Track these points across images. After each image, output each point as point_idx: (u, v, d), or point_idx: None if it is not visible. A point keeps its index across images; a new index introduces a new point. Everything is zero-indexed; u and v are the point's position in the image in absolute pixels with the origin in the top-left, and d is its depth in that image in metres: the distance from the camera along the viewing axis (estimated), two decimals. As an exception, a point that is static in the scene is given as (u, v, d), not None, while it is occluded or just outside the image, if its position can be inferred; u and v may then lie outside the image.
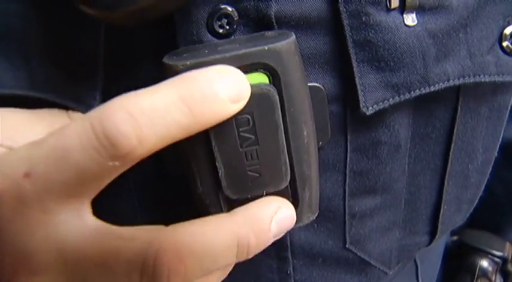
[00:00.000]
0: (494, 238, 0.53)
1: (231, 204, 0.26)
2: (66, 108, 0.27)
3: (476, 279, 0.51)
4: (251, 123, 0.24)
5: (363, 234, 0.33)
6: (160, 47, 0.27)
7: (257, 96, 0.24)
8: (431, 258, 0.46)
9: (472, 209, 0.39)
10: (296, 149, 0.26)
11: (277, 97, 0.24)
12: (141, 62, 0.27)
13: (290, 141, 0.25)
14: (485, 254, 0.52)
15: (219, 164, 0.25)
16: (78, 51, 0.26)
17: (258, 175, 0.25)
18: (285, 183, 0.26)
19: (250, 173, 0.25)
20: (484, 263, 0.51)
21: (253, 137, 0.25)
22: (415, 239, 0.37)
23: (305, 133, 0.26)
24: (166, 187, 0.31)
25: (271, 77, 0.24)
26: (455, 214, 0.37)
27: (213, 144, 0.24)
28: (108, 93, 0.27)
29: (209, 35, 0.26)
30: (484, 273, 0.51)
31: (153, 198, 0.31)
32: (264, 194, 0.26)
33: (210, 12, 0.26)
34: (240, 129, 0.24)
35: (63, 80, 0.26)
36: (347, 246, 0.33)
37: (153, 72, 0.27)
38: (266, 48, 0.24)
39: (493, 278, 0.51)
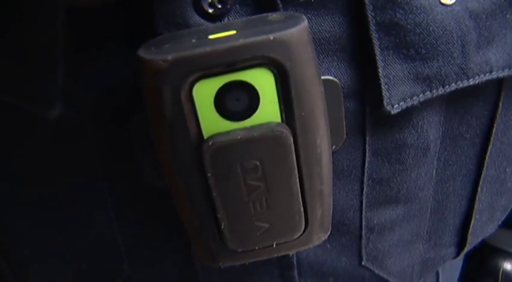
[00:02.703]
0: (519, 238, 0.50)
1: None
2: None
3: (500, 283, 0.48)
4: (260, 171, 0.21)
5: (381, 250, 0.30)
6: (134, 34, 0.23)
7: (267, 139, 0.21)
8: (453, 263, 0.43)
9: (505, 217, 0.36)
10: (306, 162, 0.22)
11: (291, 139, 0.21)
12: (109, 53, 0.24)
13: (300, 155, 0.22)
14: (510, 255, 0.48)
15: (221, 215, 0.22)
16: (32, 40, 0.22)
17: (267, 226, 0.23)
18: (299, 233, 0.24)
19: (258, 223, 0.23)
20: (509, 266, 0.48)
21: (262, 184, 0.22)
22: (440, 252, 0.34)
23: (318, 142, 0.22)
24: (146, 200, 0.27)
25: (277, 75, 0.20)
26: (487, 223, 0.34)
27: (214, 195, 0.22)
28: (71, 91, 0.23)
29: (196, 16, 0.22)
30: (508, 277, 0.48)
31: (131, 213, 0.28)
32: (274, 245, 0.24)
33: None
34: (247, 177, 0.22)
35: (14, 77, 0.23)
36: (363, 263, 0.30)
37: (125, 67, 0.23)
38: (271, 37, 0.20)
39: (519, 283, 0.49)
